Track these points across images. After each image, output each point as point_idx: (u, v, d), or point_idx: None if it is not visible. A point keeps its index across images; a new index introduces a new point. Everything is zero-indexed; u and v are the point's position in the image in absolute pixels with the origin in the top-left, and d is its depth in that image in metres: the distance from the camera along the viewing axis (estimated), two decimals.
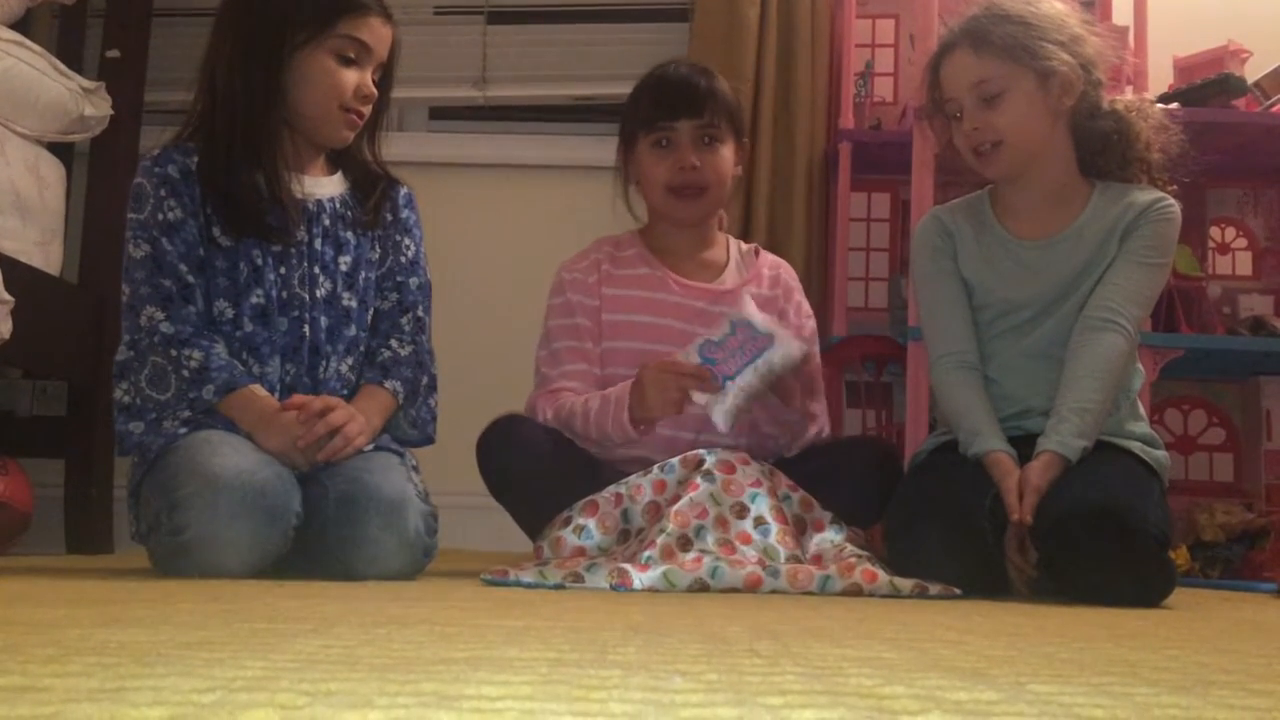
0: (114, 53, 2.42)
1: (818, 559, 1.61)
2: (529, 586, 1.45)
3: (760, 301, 1.80)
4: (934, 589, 1.50)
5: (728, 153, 1.85)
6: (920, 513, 1.65)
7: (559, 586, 1.45)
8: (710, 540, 1.54)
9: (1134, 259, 1.67)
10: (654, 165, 1.83)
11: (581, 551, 1.63)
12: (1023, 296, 1.71)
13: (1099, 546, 1.46)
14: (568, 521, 1.66)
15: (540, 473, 1.73)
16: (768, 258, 1.97)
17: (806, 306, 1.96)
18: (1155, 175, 1.72)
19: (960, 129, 1.71)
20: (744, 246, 1.98)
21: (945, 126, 1.75)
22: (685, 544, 1.54)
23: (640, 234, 1.94)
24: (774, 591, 1.47)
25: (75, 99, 2.23)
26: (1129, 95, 1.80)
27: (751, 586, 1.48)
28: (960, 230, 1.77)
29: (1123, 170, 1.72)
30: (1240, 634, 1.12)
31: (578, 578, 1.47)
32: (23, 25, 2.29)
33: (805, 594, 1.48)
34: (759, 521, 1.58)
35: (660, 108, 1.82)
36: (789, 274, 1.96)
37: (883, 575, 1.51)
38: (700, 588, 1.46)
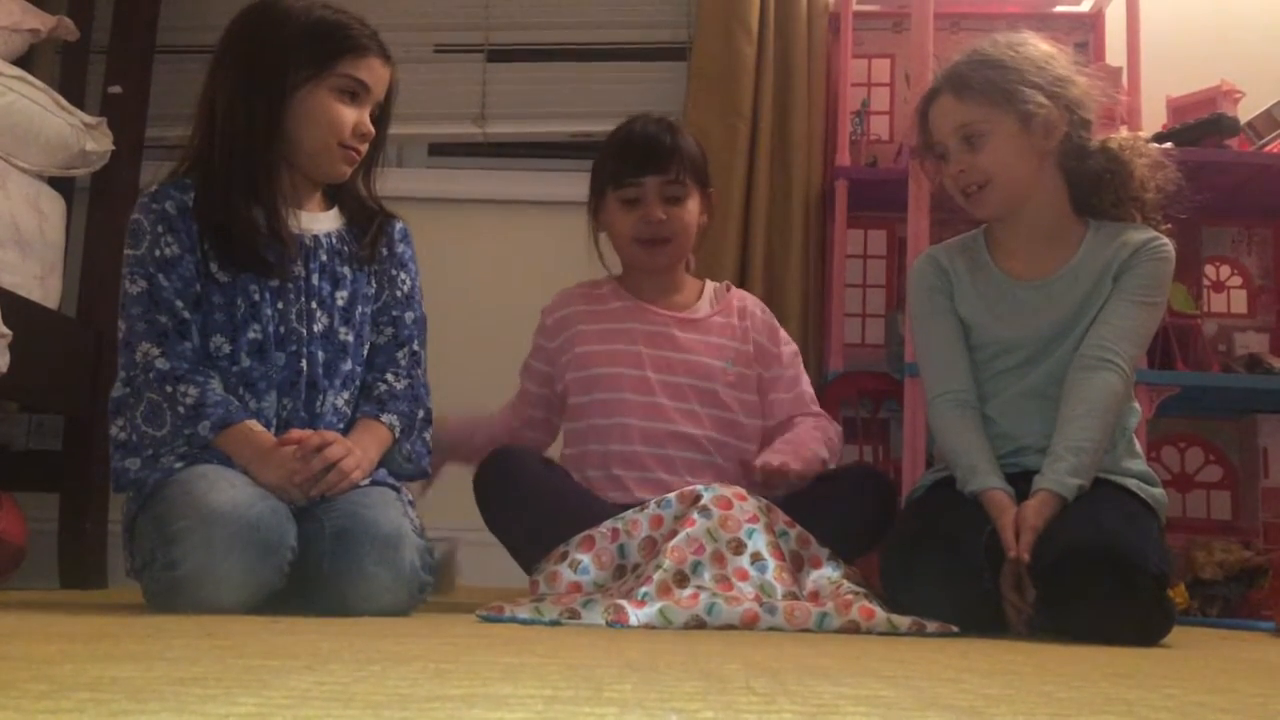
0: (116, 88, 2.44)
1: (815, 596, 1.60)
2: (525, 623, 1.44)
3: (727, 329, 1.94)
4: (931, 626, 1.49)
5: (692, 204, 1.92)
6: (917, 549, 1.64)
7: (555, 623, 1.44)
8: (707, 576, 1.54)
9: (1128, 298, 1.67)
10: (622, 219, 1.91)
11: (578, 587, 1.62)
12: (1019, 336, 1.72)
13: (1097, 584, 1.46)
14: (564, 556, 1.66)
15: (537, 504, 1.74)
16: (738, 292, 2.05)
17: (783, 333, 2.03)
18: (1149, 214, 1.73)
19: (948, 171, 1.73)
20: (717, 285, 2.05)
21: (937, 168, 1.77)
22: (682, 580, 1.53)
23: (617, 278, 2.02)
24: (771, 629, 1.47)
25: (76, 134, 2.24)
26: (1123, 133, 1.81)
27: (748, 623, 1.47)
28: (956, 269, 1.78)
29: (1117, 209, 1.73)
30: (1238, 673, 1.12)
31: (574, 614, 1.46)
32: (25, 61, 2.31)
33: (803, 631, 1.47)
34: (756, 557, 1.57)
35: (627, 164, 1.90)
36: (756, 304, 2.04)
37: (880, 612, 1.50)
38: (697, 624, 1.46)
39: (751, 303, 2.04)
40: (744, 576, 1.55)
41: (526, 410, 2.01)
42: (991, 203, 1.71)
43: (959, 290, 1.77)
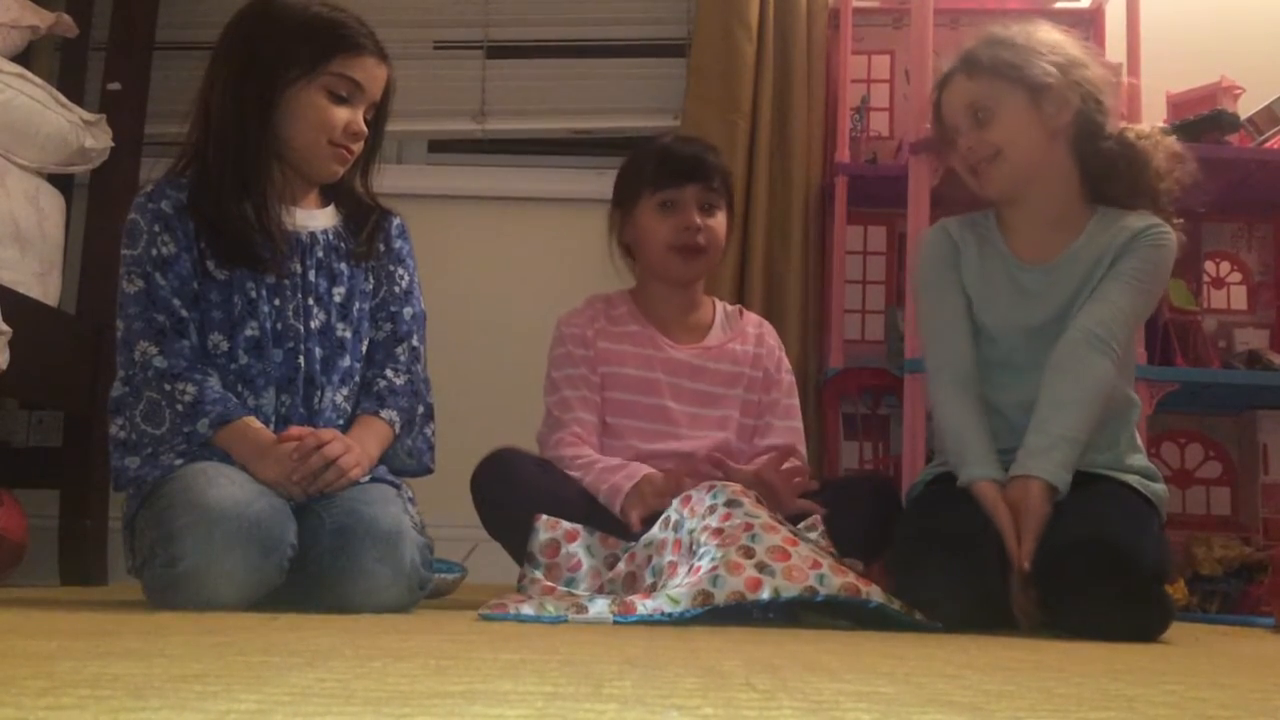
0: (115, 85, 2.44)
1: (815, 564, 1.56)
2: (529, 620, 1.43)
3: (744, 357, 1.95)
4: (919, 616, 1.49)
5: (724, 219, 1.95)
6: (922, 547, 1.62)
7: (560, 620, 1.43)
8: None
9: (1124, 280, 1.66)
10: (657, 225, 1.92)
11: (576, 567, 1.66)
12: (1017, 320, 1.71)
13: (1096, 581, 1.46)
14: (556, 548, 1.68)
15: (533, 505, 1.73)
16: (751, 317, 2.07)
17: (786, 363, 2.04)
18: (1162, 207, 1.72)
19: (958, 149, 1.72)
20: (729, 308, 2.06)
21: (949, 157, 1.77)
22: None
23: (631, 294, 2.02)
24: (774, 593, 1.43)
25: (76, 131, 2.24)
26: (1144, 125, 1.81)
27: (753, 589, 1.43)
28: (966, 242, 1.76)
29: (1131, 199, 1.72)
30: (1238, 669, 1.12)
31: (580, 609, 1.46)
32: (25, 57, 2.31)
33: (805, 594, 1.43)
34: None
35: (669, 172, 1.91)
36: (770, 333, 2.05)
37: (874, 586, 1.49)
38: (704, 599, 1.43)
39: (767, 330, 2.05)
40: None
41: (592, 421, 1.90)
42: (1000, 177, 1.70)
43: (965, 264, 1.75)
